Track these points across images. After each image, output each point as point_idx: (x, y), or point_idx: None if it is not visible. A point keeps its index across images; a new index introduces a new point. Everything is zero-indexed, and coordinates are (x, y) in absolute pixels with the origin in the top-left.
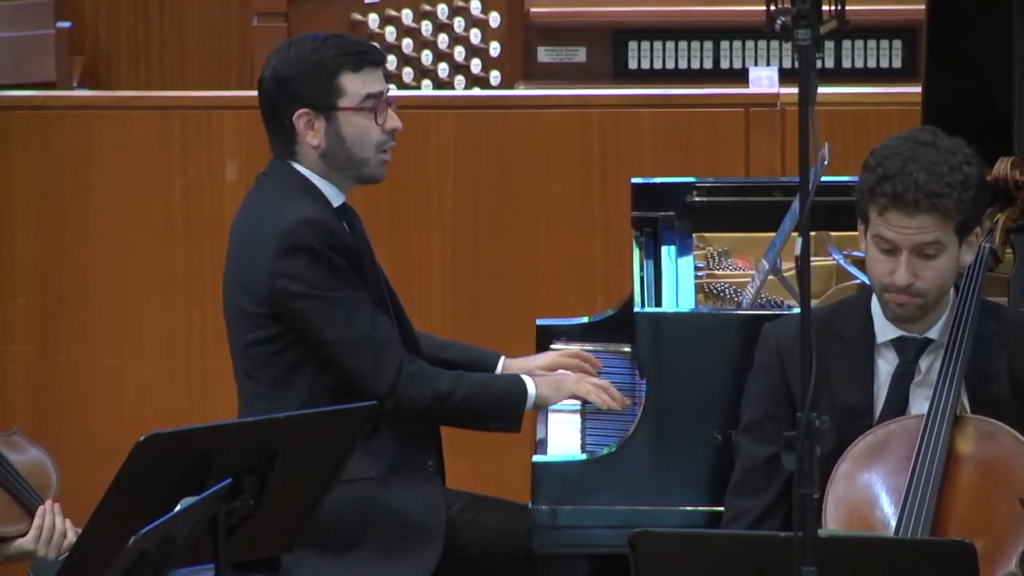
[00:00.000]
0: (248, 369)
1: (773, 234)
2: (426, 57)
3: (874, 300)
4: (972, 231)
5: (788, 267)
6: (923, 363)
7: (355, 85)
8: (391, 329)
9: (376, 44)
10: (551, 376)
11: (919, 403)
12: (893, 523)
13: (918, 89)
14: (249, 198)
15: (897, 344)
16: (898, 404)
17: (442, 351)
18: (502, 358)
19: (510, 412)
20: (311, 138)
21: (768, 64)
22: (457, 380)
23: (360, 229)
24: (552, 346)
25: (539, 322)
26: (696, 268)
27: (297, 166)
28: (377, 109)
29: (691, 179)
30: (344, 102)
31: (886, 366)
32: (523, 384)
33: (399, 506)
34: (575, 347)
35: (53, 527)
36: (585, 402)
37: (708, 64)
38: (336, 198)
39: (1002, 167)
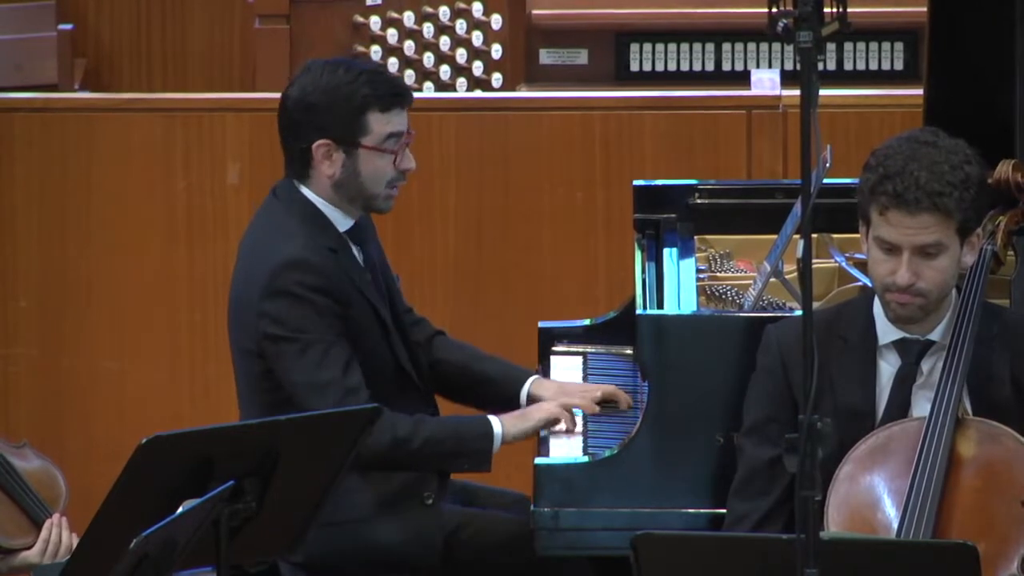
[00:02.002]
0: (244, 395)
1: (775, 236)
2: (428, 59)
3: (876, 302)
4: (973, 231)
5: (790, 269)
6: (925, 365)
7: (380, 125)
8: (360, 378)
9: (379, 47)
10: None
11: (921, 405)
12: (895, 525)
13: (920, 91)
14: (256, 218)
15: (899, 346)
16: (900, 406)
17: (479, 362)
18: (531, 378)
19: (476, 452)
20: (327, 168)
21: (770, 66)
22: (416, 425)
23: (370, 251)
24: (554, 348)
25: (541, 324)
26: (698, 270)
27: (306, 191)
28: (397, 150)
29: (693, 181)
30: (367, 140)
31: (888, 368)
32: (488, 424)
33: (392, 545)
34: (577, 348)
35: (59, 541)
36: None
37: (710, 66)
38: (343, 223)
39: (1004, 169)
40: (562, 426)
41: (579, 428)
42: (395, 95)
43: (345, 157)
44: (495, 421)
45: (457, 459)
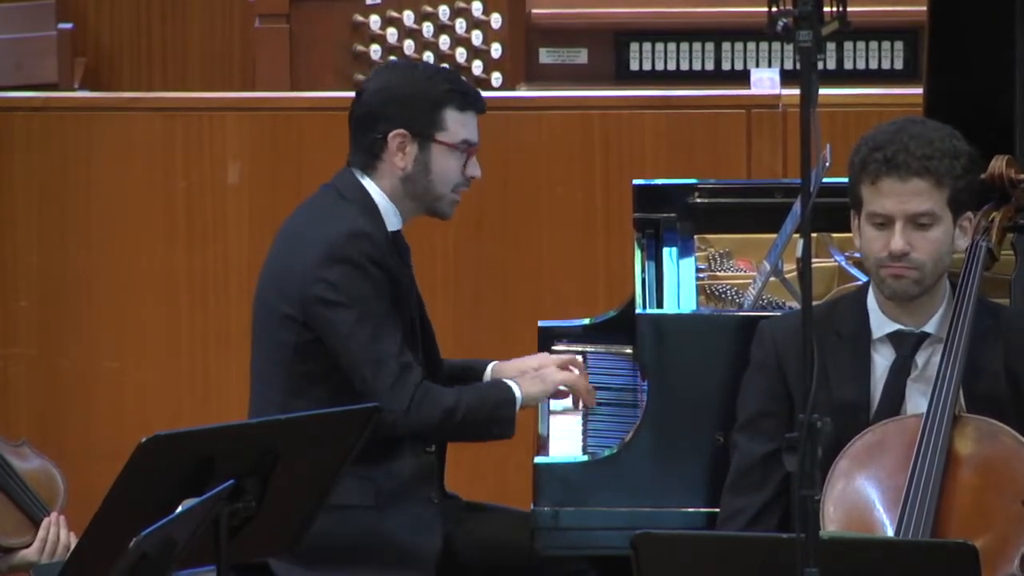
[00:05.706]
0: (265, 372)
1: (775, 236)
2: (427, 59)
3: (870, 295)
4: (965, 210)
5: (790, 269)
6: (920, 358)
7: (456, 124)
8: (412, 356)
9: (378, 46)
10: (533, 372)
11: (915, 398)
12: (892, 523)
13: (920, 90)
14: (305, 204)
15: (893, 338)
16: (895, 399)
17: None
18: (491, 364)
19: (504, 418)
20: (399, 160)
21: (770, 65)
22: (459, 395)
23: (407, 261)
24: (554, 348)
25: (541, 323)
26: (698, 270)
27: (366, 182)
28: (468, 154)
29: (693, 180)
30: (442, 136)
31: (883, 362)
32: (510, 389)
33: (394, 535)
34: (577, 348)
35: (57, 539)
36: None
37: (710, 66)
38: (394, 223)
39: (997, 165)
40: (567, 403)
41: (565, 401)
42: (473, 96)
43: (418, 151)
44: (514, 386)
45: (489, 426)
